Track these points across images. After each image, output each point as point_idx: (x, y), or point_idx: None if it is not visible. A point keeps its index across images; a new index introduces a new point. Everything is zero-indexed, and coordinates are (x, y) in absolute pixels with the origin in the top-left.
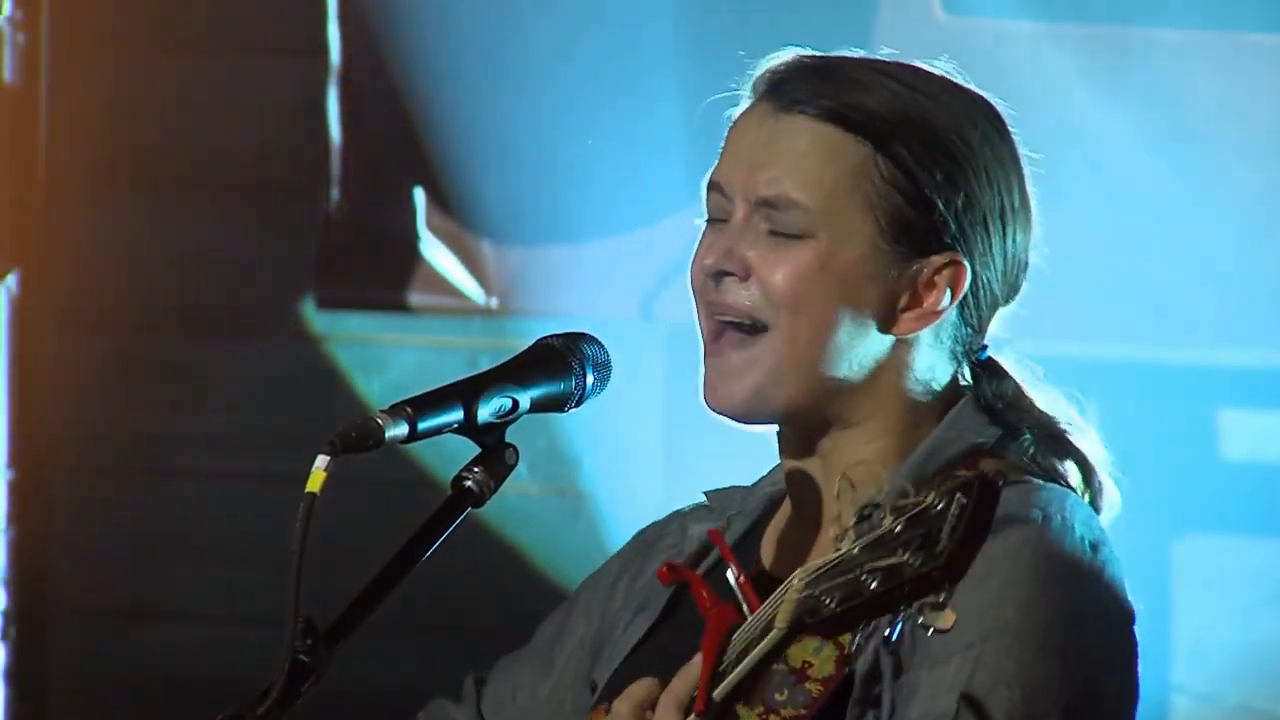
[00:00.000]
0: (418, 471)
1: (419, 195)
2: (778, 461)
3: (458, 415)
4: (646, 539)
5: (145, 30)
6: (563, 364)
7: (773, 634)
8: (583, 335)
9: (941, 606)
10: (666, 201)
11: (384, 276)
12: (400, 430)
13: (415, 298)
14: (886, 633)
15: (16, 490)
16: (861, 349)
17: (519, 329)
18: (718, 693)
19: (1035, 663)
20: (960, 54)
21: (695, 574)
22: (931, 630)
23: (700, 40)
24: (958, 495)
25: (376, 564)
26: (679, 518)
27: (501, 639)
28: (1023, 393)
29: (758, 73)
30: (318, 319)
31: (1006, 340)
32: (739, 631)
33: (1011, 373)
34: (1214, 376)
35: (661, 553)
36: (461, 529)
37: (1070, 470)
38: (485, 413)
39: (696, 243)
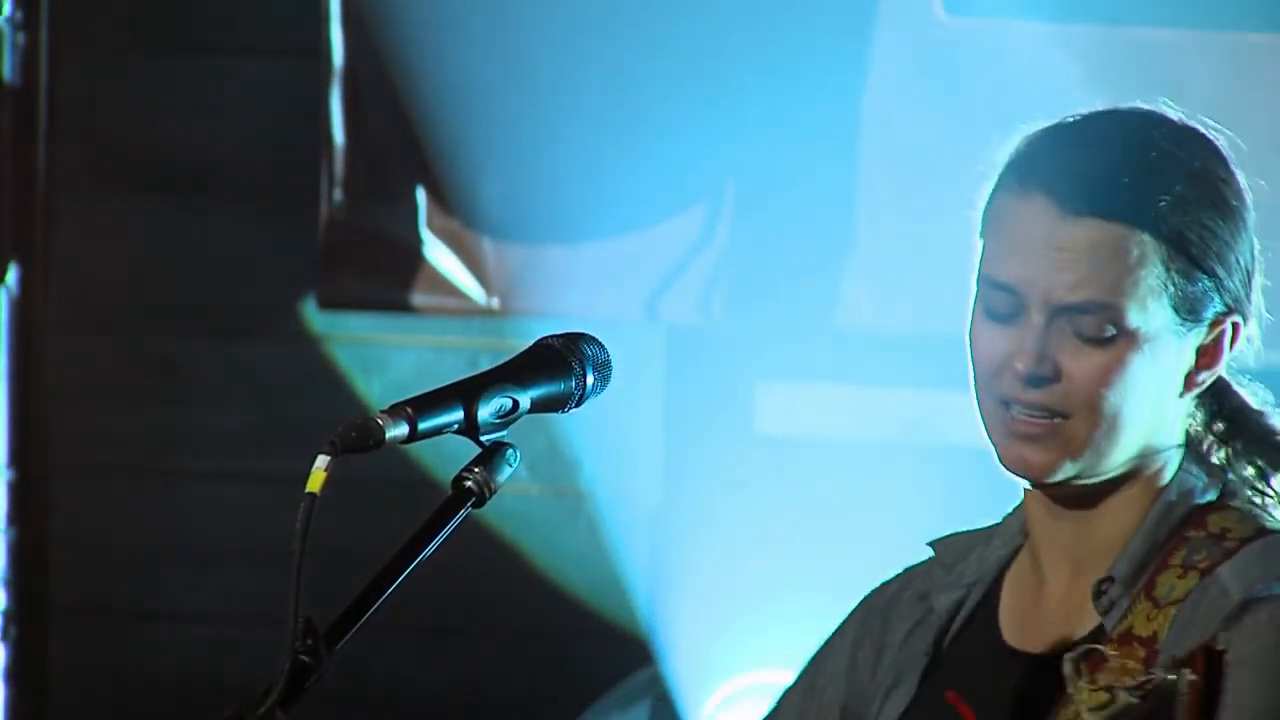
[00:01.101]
0: (418, 472)
1: (420, 195)
2: (1011, 509)
3: (458, 415)
4: (877, 606)
5: (145, 30)
6: (563, 364)
7: None
8: (583, 335)
9: None
10: (668, 202)
11: (385, 277)
12: (400, 430)
13: (416, 298)
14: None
15: (16, 490)
16: (1158, 421)
17: (520, 329)
18: None
19: None
20: (960, 54)
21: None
22: None
23: (702, 40)
24: (1185, 671)
25: (376, 564)
26: (912, 582)
27: (501, 639)
28: (1248, 405)
29: (1021, 156)
30: (318, 319)
31: None
32: None
33: (1237, 388)
34: None
35: (903, 620)
36: (461, 529)
37: None
38: (485, 413)
39: (977, 331)
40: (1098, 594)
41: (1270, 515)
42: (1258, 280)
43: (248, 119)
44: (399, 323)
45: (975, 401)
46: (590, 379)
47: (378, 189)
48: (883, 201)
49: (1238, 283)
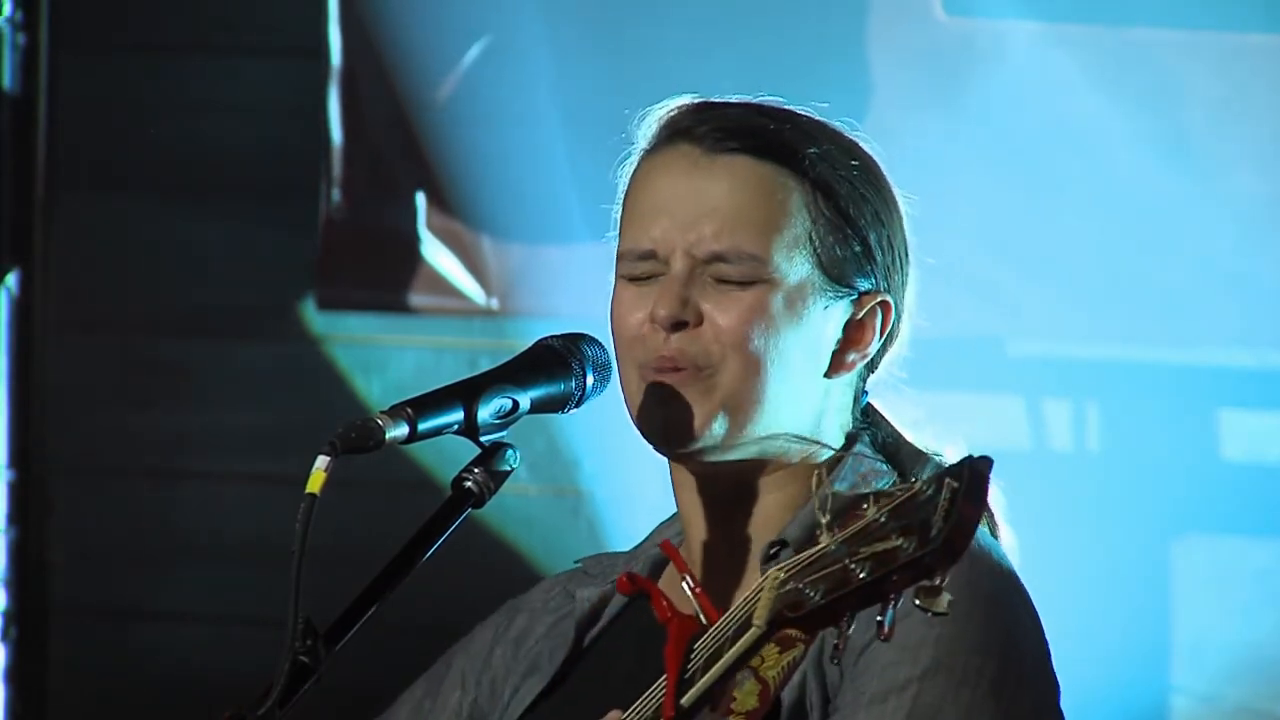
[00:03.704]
0: (418, 472)
1: (419, 196)
2: (660, 522)
3: (458, 416)
4: (522, 606)
5: (145, 30)
6: (563, 365)
7: (750, 633)
8: (583, 336)
9: (938, 591)
10: None
11: (384, 277)
12: (400, 431)
13: (415, 298)
14: (832, 641)
15: (16, 490)
16: (804, 393)
17: (519, 330)
18: (686, 699)
19: (971, 704)
20: (960, 54)
21: (655, 584)
22: (930, 614)
23: (705, 40)
24: (948, 480)
25: (377, 564)
26: (558, 583)
27: None
28: (900, 434)
29: (657, 122)
30: (318, 319)
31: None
32: (701, 640)
33: (887, 416)
34: (1214, 376)
35: (547, 614)
36: (461, 529)
37: None
38: (485, 414)
39: (617, 301)
40: (769, 557)
41: None
42: (911, 280)
43: (248, 119)
44: (398, 323)
45: (621, 387)
46: (590, 379)
47: (377, 189)
48: None
49: (890, 262)
